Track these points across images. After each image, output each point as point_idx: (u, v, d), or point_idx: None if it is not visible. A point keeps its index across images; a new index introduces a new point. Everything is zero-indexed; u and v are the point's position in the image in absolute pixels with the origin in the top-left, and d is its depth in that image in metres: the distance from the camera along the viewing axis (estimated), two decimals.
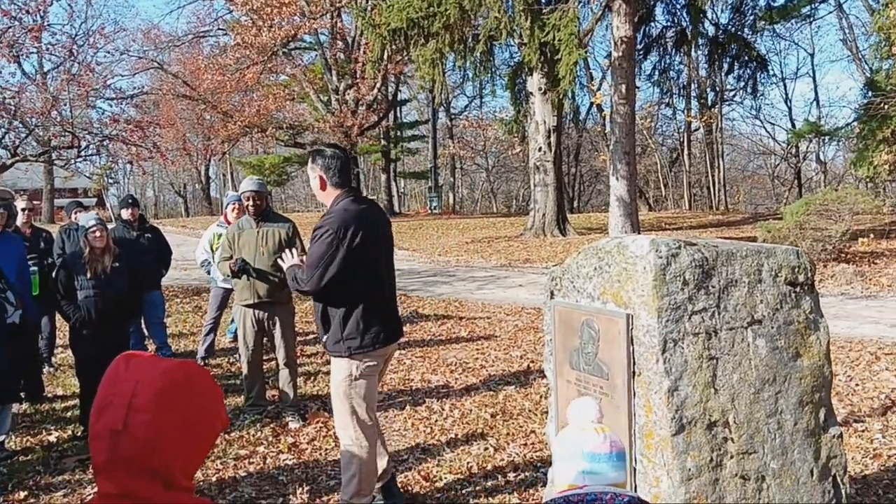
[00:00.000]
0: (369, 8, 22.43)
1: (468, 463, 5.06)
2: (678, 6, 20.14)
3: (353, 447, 4.04)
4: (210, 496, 4.66)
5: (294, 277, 4.08)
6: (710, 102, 38.66)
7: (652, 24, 20.81)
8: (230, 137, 33.39)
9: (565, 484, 1.91)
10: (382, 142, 39.82)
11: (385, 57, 20.60)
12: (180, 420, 1.35)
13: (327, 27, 29.64)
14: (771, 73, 24.18)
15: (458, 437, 5.61)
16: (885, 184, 23.37)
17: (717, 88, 36.65)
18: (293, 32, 26.63)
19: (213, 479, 4.96)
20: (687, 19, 19.58)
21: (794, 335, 3.10)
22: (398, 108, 43.57)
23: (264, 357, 6.51)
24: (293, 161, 40.70)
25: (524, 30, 16.46)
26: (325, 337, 4.04)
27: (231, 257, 6.03)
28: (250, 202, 6.04)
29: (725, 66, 21.26)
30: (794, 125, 37.07)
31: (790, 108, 44.66)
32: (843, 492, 3.18)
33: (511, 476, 4.82)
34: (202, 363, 7.91)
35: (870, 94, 19.73)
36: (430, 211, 40.00)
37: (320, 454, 5.37)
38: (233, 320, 8.10)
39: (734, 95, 36.80)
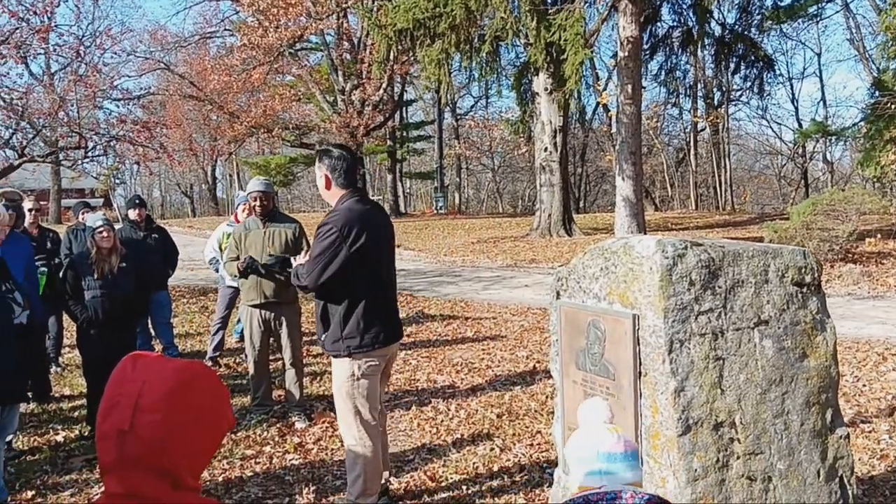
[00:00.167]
0: (375, 8, 22.43)
1: (474, 463, 5.05)
2: (684, 6, 20.09)
3: (357, 447, 4.04)
4: (216, 496, 4.67)
5: (296, 273, 4.11)
6: (716, 102, 38.59)
7: (658, 23, 20.73)
8: (236, 138, 33.42)
9: (581, 486, 1.90)
10: (388, 142, 39.85)
11: (391, 57, 20.54)
12: (187, 420, 1.35)
13: (333, 28, 29.67)
14: (777, 72, 24.07)
15: (464, 438, 5.61)
16: (893, 184, 23.26)
17: (724, 88, 36.53)
18: (299, 33, 26.65)
19: (220, 478, 4.97)
20: (693, 19, 19.53)
21: (801, 336, 3.09)
22: (404, 109, 43.61)
23: (270, 357, 6.52)
24: (299, 161, 40.78)
25: (530, 30, 16.43)
26: (324, 336, 4.05)
27: (238, 257, 6.05)
28: (257, 202, 6.06)
29: (732, 65, 21.17)
30: (800, 125, 36.96)
31: (797, 108, 44.69)
32: (850, 492, 3.18)
33: (517, 476, 4.81)
34: (211, 362, 7.93)
35: (877, 93, 19.66)
36: (435, 211, 40.00)
37: (326, 454, 5.38)
38: (239, 320, 8.12)
39: (741, 95, 36.70)
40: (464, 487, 4.67)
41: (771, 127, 50.97)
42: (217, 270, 8.23)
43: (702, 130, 40.41)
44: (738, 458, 2.89)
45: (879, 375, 6.79)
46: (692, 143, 40.10)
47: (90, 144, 18.44)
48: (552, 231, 20.84)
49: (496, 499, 4.50)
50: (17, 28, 16.55)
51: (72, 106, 19.25)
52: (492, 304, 11.59)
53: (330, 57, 31.42)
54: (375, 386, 4.12)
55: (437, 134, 42.52)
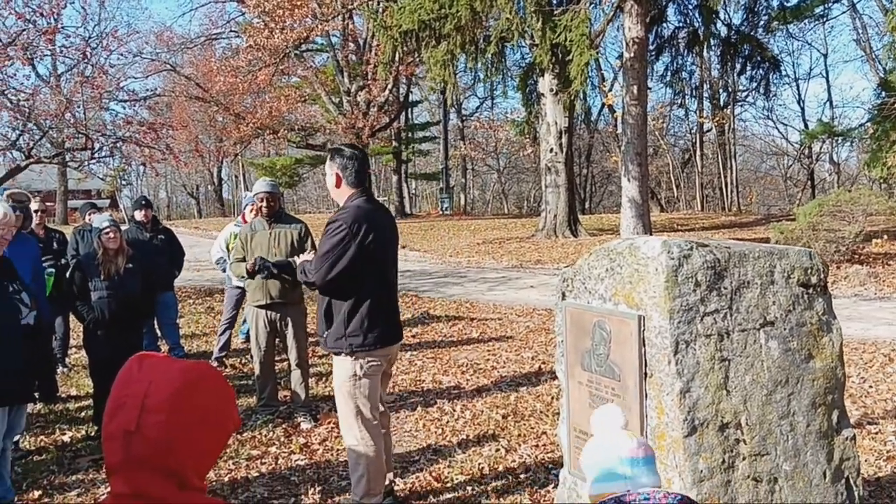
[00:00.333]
0: (381, 10, 22.44)
1: (479, 464, 5.06)
2: (690, 7, 20.07)
3: (359, 447, 4.05)
4: (222, 496, 4.68)
5: (303, 270, 4.13)
6: (722, 103, 38.51)
7: (664, 24, 20.72)
8: (242, 139, 33.52)
9: (600, 492, 1.89)
10: (394, 143, 39.87)
11: (396, 58, 20.61)
12: (193, 421, 1.36)
13: (339, 29, 29.70)
14: (784, 73, 24.10)
15: (469, 439, 5.61)
16: None
17: (730, 89, 36.49)
18: (305, 34, 26.69)
19: (226, 479, 4.98)
20: (699, 20, 19.50)
21: (807, 337, 3.08)
22: (409, 110, 43.63)
23: (276, 358, 6.53)
24: (305, 163, 40.81)
25: (535, 31, 16.44)
26: (326, 333, 4.05)
27: (244, 258, 6.06)
28: (264, 203, 6.08)
29: (738, 66, 21.13)
30: (807, 126, 36.87)
31: (803, 109, 44.42)
32: (856, 494, 3.17)
33: (522, 477, 4.81)
34: (217, 363, 7.95)
35: (883, 94, 19.59)
36: (441, 212, 39.99)
37: (332, 455, 5.39)
38: (245, 321, 8.14)
39: (747, 96, 36.68)
40: (469, 488, 4.67)
41: (777, 128, 50.97)
42: (224, 270, 8.25)
43: (708, 131, 40.31)
44: (743, 459, 2.88)
45: (886, 377, 6.77)
46: (698, 144, 40.02)
47: (96, 146, 18.51)
48: (557, 232, 20.83)
49: (501, 499, 4.50)
50: (24, 30, 16.62)
51: (78, 107, 19.32)
52: (497, 305, 11.59)
53: (335, 58, 31.48)
54: (376, 386, 4.14)
55: (443, 135, 42.51)
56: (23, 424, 5.17)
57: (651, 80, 21.77)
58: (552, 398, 6.42)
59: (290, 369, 6.24)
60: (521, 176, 52.83)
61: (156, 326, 8.13)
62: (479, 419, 6.05)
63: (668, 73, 22.03)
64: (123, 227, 6.57)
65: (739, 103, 39.30)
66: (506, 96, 62.02)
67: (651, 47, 19.91)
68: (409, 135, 43.60)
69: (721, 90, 37.76)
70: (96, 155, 19.01)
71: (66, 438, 5.86)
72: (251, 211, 7.71)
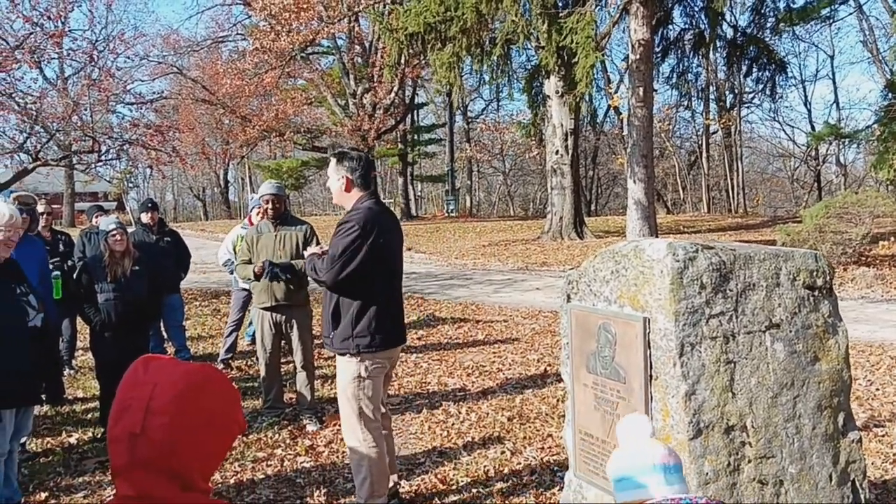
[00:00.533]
0: (387, 12, 22.47)
1: (485, 466, 5.05)
2: (696, 8, 20.03)
3: (361, 448, 4.06)
4: (228, 498, 4.69)
5: (313, 267, 4.14)
6: (728, 105, 38.46)
7: (670, 26, 20.68)
8: (248, 141, 33.55)
9: (634, 498, 1.91)
10: (399, 145, 39.92)
11: (402, 61, 20.58)
12: (198, 423, 1.36)
13: (345, 32, 29.77)
14: (790, 75, 24.00)
15: (474, 441, 5.61)
16: None
17: (736, 91, 36.45)
18: (311, 37, 26.73)
19: (231, 481, 4.99)
20: (705, 22, 19.46)
21: (813, 339, 3.08)
22: (415, 112, 43.64)
23: (282, 360, 6.54)
24: (311, 165, 40.88)
25: (541, 33, 16.43)
26: (332, 334, 4.06)
27: (249, 260, 6.07)
28: (269, 205, 6.09)
29: (744, 68, 21.09)
30: (813, 128, 36.80)
31: (809, 111, 44.63)
32: (862, 497, 3.16)
33: (527, 480, 4.81)
34: (222, 365, 7.95)
35: (890, 96, 19.58)
36: (447, 214, 40.05)
37: (337, 457, 5.39)
38: (250, 323, 8.15)
39: (753, 98, 36.56)
40: (474, 490, 4.67)
41: (783, 129, 50.86)
42: (231, 272, 8.26)
43: (714, 133, 40.29)
44: (749, 461, 2.88)
45: (893, 379, 6.75)
46: (704, 146, 39.98)
47: (103, 148, 18.52)
48: (563, 234, 20.82)
49: (506, 502, 4.50)
50: (31, 33, 16.65)
51: (85, 110, 19.34)
52: (503, 307, 11.58)
53: (341, 61, 31.53)
54: (379, 387, 4.17)
55: (449, 137, 42.58)
56: (30, 426, 5.19)
57: (657, 82, 21.73)
58: (557, 400, 6.41)
59: (296, 371, 6.24)
60: (527, 178, 52.78)
61: (162, 329, 8.15)
62: (484, 421, 6.05)
63: (674, 75, 22.00)
64: (130, 230, 6.60)
65: (746, 105, 39.26)
66: (511, 98, 61.84)
67: (657, 49, 19.88)
68: (415, 137, 43.63)
69: (727, 92, 37.71)
70: (103, 157, 19.03)
71: (72, 440, 5.88)
72: (258, 213, 7.72)
